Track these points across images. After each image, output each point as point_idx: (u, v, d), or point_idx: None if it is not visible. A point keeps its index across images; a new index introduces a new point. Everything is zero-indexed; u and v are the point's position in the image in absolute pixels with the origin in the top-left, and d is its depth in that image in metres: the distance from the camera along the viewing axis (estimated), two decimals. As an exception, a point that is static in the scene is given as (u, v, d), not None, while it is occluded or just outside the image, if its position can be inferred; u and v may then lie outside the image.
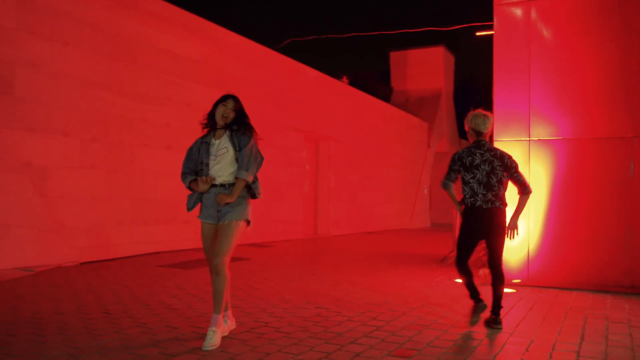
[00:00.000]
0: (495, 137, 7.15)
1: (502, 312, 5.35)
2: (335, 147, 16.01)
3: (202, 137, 4.41)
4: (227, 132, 4.32)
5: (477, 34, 8.26)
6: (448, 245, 9.48)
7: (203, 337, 4.24)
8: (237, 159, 4.26)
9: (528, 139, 6.95)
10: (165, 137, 10.01)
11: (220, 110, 4.32)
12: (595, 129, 6.73)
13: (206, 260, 4.40)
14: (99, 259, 8.60)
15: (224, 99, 4.38)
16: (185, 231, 10.34)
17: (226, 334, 4.33)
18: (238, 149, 4.26)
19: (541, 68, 6.92)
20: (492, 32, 7.21)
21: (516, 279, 6.95)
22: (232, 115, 4.34)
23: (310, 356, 3.82)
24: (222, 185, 4.24)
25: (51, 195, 7.97)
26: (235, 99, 4.39)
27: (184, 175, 4.36)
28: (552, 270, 6.81)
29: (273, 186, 13.10)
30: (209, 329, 4.05)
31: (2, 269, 7.21)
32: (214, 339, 3.99)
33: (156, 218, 9.71)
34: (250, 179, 4.23)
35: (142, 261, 8.62)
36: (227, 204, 4.19)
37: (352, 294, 6.29)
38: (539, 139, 6.91)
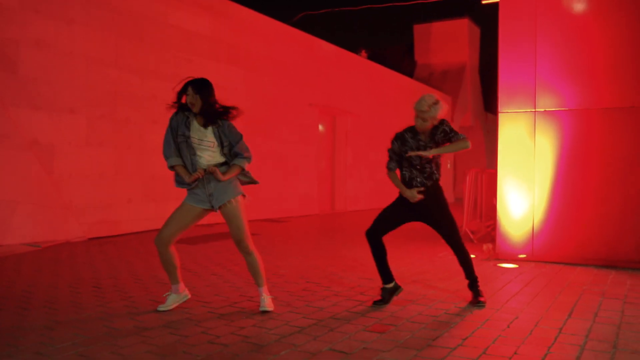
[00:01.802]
0: (499, 109, 6.93)
1: (496, 287, 5.23)
2: (353, 122, 15.84)
3: (177, 115, 4.27)
4: (211, 127, 4.24)
5: (483, 2, 7.95)
6: (459, 221, 9.33)
7: (183, 311, 4.25)
8: (224, 153, 4.25)
9: (534, 110, 6.71)
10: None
11: (187, 100, 4.22)
12: (603, 98, 6.45)
13: (157, 236, 4.29)
14: (108, 235, 8.72)
15: (184, 87, 4.23)
16: (196, 207, 10.38)
17: (174, 304, 4.33)
18: (227, 144, 4.23)
19: (548, 36, 6.64)
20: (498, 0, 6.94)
21: (521, 254, 6.78)
22: (198, 102, 4.20)
23: (284, 330, 3.78)
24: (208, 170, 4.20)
25: (58, 172, 8.07)
26: (194, 84, 4.20)
27: (169, 149, 4.30)
28: (558, 245, 6.61)
29: (287, 162, 13.06)
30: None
31: (9, 244, 7.37)
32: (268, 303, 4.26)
33: (166, 195, 9.76)
34: (246, 166, 4.28)
35: (150, 237, 8.69)
36: (215, 185, 4.18)
37: (350, 269, 6.23)
38: (545, 110, 6.66)
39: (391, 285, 4.64)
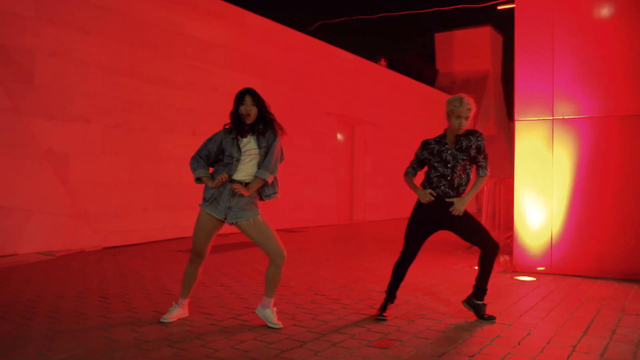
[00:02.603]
0: (516, 117, 6.75)
1: (511, 301, 5.05)
2: (372, 131, 15.71)
3: (227, 130, 4.22)
4: (254, 135, 4.16)
5: (499, 7, 7.79)
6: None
7: (185, 323, 4.17)
8: (261, 159, 4.14)
9: (551, 118, 6.52)
10: (191, 122, 10.02)
11: (242, 111, 4.15)
12: (623, 105, 6.23)
13: (192, 248, 4.29)
14: (123, 244, 8.72)
15: (240, 97, 4.17)
16: (212, 216, 10.35)
17: (172, 319, 4.24)
18: (264, 149, 4.13)
19: (565, 42, 6.45)
20: (514, 5, 6.77)
21: (539, 266, 6.56)
22: (254, 110, 4.15)
23: (285, 345, 3.67)
24: (236, 181, 4.11)
25: (73, 181, 8.10)
26: (252, 93, 4.15)
27: (196, 162, 4.18)
28: (577, 257, 6.39)
29: (305, 171, 12.98)
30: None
31: (24, 253, 7.40)
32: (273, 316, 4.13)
33: (181, 203, 9.75)
34: (270, 180, 4.12)
35: (164, 246, 8.68)
36: (237, 200, 4.08)
37: (361, 280, 6.10)
38: (562, 118, 6.47)
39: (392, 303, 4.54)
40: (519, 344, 3.72)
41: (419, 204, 4.56)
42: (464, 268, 6.96)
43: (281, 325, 4.10)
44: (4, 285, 5.56)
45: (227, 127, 4.25)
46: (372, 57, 18.81)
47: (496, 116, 24.37)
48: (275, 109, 13.23)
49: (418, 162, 4.71)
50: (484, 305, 4.41)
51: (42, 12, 7.76)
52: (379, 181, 16.01)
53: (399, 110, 17.33)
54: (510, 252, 7.12)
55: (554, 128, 6.49)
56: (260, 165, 4.13)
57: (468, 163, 4.42)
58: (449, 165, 4.43)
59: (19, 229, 7.45)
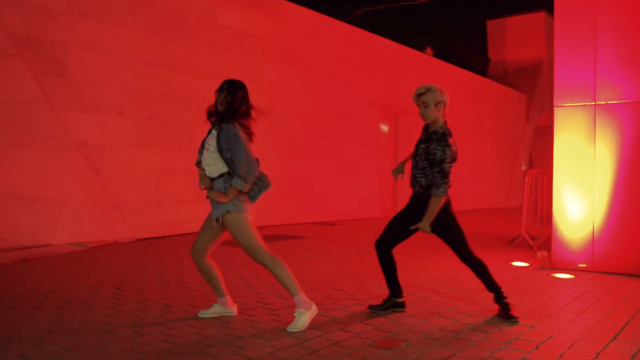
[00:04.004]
0: (555, 103, 6.31)
1: (540, 301, 4.69)
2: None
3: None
4: (216, 129, 3.91)
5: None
6: (518, 225, 8.65)
7: (191, 317, 4.06)
8: (224, 159, 3.83)
9: (593, 103, 6.04)
10: (226, 114, 9.95)
11: (215, 97, 3.98)
12: (675, 89, 5.70)
13: (193, 243, 4.16)
14: (156, 236, 8.75)
15: (221, 86, 3.99)
16: (248, 208, 10.29)
17: (214, 315, 4.09)
18: (224, 152, 3.80)
19: (609, 22, 5.96)
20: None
21: (580, 262, 6.12)
22: (224, 101, 3.93)
23: (283, 342, 3.49)
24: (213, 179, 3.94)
25: (106, 173, 8.17)
26: (230, 82, 3.93)
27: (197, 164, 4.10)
28: (621, 253, 5.91)
29: (345, 163, 12.75)
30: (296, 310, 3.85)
31: (57, 244, 7.52)
32: (298, 321, 3.78)
33: (216, 195, 9.70)
34: (247, 188, 3.84)
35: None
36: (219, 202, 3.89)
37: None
38: (606, 103, 5.98)
39: (400, 299, 4.28)
40: (536, 348, 3.40)
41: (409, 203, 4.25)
42: (499, 264, 6.59)
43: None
44: (29, 275, 5.62)
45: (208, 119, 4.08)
46: (419, 45, 18.33)
47: (551, 106, 23.37)
48: (315, 99, 13.12)
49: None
50: (507, 304, 4.10)
51: (75, 5, 7.83)
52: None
53: (448, 101, 16.80)
54: (548, 248, 6.69)
55: (596, 114, 6.01)
56: (230, 168, 3.84)
57: (428, 168, 4.05)
58: (414, 154, 4.18)
59: (53, 220, 7.57)
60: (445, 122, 4.15)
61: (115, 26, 8.27)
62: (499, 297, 4.12)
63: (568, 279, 5.68)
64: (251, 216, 3.93)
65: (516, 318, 4.00)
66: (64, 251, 7.14)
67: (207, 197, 3.93)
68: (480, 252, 7.56)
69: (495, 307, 4.25)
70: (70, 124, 7.74)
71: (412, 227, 4.07)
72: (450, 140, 4.01)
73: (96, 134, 8.07)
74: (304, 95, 11.64)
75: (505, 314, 4.04)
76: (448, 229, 4.09)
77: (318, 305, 4.48)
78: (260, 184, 3.96)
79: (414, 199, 4.22)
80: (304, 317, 3.79)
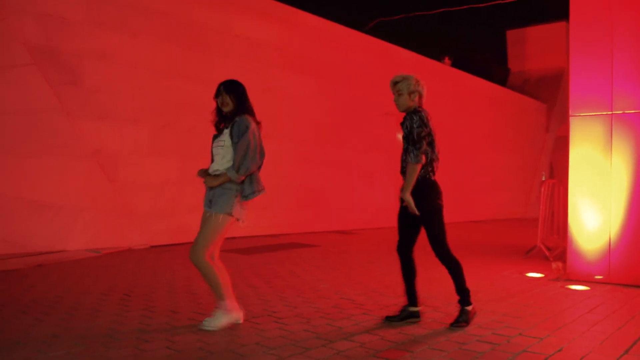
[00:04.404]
0: (570, 112, 6.22)
1: (552, 312, 4.59)
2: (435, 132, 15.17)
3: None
4: (228, 126, 4.06)
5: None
6: (534, 236, 8.53)
7: (197, 324, 4.05)
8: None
9: (610, 112, 5.93)
10: (241, 123, 9.99)
11: (217, 102, 4.12)
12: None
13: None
14: (170, 243, 8.79)
15: (217, 90, 4.13)
16: (262, 217, 10.30)
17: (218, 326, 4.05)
18: (235, 141, 3.97)
19: (625, 30, 5.85)
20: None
21: (596, 274, 5.99)
22: (230, 103, 4.08)
23: (287, 351, 3.46)
24: (210, 174, 4.07)
25: (121, 180, 8.24)
26: (226, 85, 4.12)
27: None
28: (638, 265, 5.77)
29: (361, 173, 12.71)
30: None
31: (71, 250, 7.59)
32: (215, 320, 3.92)
33: (230, 204, 9.73)
34: (238, 179, 3.95)
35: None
36: (213, 192, 4.01)
37: (396, 285, 5.75)
38: (622, 113, 5.86)
39: (415, 308, 4.21)
40: (544, 360, 3.32)
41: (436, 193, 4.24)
42: (513, 275, 6.47)
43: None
44: (41, 281, 5.67)
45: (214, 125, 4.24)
46: (437, 55, 18.26)
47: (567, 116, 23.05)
48: (330, 109, 13.10)
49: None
50: (467, 311, 4.10)
51: (91, 16, 7.95)
52: (442, 183, 15.43)
53: (465, 111, 16.69)
54: (564, 259, 6.56)
55: (613, 124, 5.90)
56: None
57: (408, 147, 4.07)
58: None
59: (68, 227, 7.65)
60: (415, 107, 4.13)
61: (131, 36, 8.37)
62: (465, 300, 4.06)
63: (583, 290, 5.56)
64: (243, 220, 4.04)
65: (464, 325, 3.99)
66: (78, 257, 7.20)
67: (205, 183, 4.03)
68: (495, 262, 7.51)
69: (507, 317, 4.16)
70: (85, 133, 7.83)
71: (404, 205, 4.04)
72: (420, 114, 4.06)
73: (111, 142, 8.15)
74: (319, 104, 11.65)
75: (460, 318, 4.01)
76: (431, 218, 4.04)
77: (325, 314, 4.45)
78: (256, 185, 4.03)
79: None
80: (220, 319, 3.92)
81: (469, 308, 4.12)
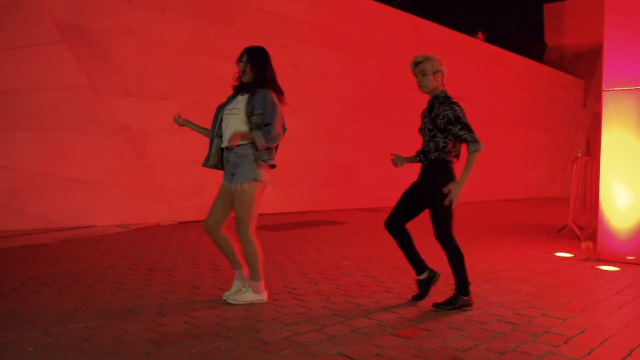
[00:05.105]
0: (604, 86, 5.98)
1: (579, 292, 4.47)
2: (467, 108, 14.86)
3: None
4: (246, 96, 3.98)
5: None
6: (565, 215, 8.30)
7: (216, 300, 4.07)
8: (252, 123, 3.89)
9: (646, 87, 5.69)
10: (268, 99, 9.95)
11: (239, 67, 4.06)
12: None
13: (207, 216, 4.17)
14: (198, 219, 8.86)
15: (240, 55, 4.06)
16: (290, 194, 10.31)
17: (237, 298, 4.06)
18: (253, 117, 3.88)
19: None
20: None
21: (629, 255, 5.81)
22: (248, 68, 4.00)
23: (303, 327, 3.44)
24: (227, 148, 3.98)
25: (149, 157, 8.32)
26: (250, 52, 4.02)
27: None
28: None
29: (392, 149, 12.50)
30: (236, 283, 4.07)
31: (100, 225, 7.72)
32: (242, 295, 3.97)
33: (257, 181, 9.74)
34: (263, 145, 3.87)
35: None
36: (232, 164, 3.94)
37: (420, 263, 5.70)
38: (660, 87, 5.63)
39: (424, 275, 4.11)
40: (565, 342, 3.23)
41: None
42: (541, 254, 6.34)
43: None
44: (69, 255, 5.78)
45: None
46: (471, 31, 17.83)
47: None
48: (360, 85, 12.97)
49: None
50: (459, 298, 3.91)
51: (119, -8, 7.96)
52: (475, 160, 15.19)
53: (500, 87, 16.31)
54: (594, 239, 6.38)
55: (649, 98, 5.67)
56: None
57: (438, 133, 3.94)
58: (420, 127, 4.13)
59: (97, 202, 7.78)
60: (444, 91, 4.00)
61: (159, 12, 8.37)
62: (464, 290, 3.90)
63: (613, 271, 5.40)
64: (269, 184, 3.98)
65: (449, 309, 3.87)
66: (107, 232, 7.32)
67: (227, 141, 3.89)
68: (524, 241, 7.37)
69: (531, 297, 4.07)
70: (114, 109, 7.91)
71: (444, 191, 3.87)
72: (457, 103, 3.95)
73: (140, 119, 8.22)
74: (347, 80, 11.52)
75: (451, 299, 3.90)
76: (441, 201, 3.89)
77: (345, 291, 4.42)
78: (273, 154, 4.02)
79: (422, 171, 4.10)
80: (248, 295, 3.96)
81: (466, 298, 3.93)
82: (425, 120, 4.10)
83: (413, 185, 4.16)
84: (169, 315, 3.65)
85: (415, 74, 4.06)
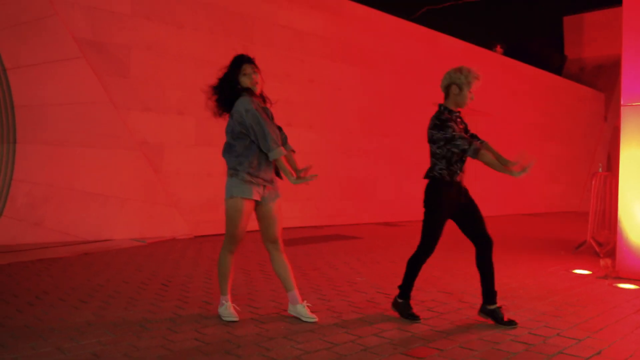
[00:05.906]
0: (623, 102, 5.91)
1: (596, 311, 4.39)
2: (485, 122, 14.81)
3: (252, 101, 4.05)
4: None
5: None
6: (584, 231, 8.17)
7: (219, 318, 4.08)
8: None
9: (666, 102, 5.61)
10: (286, 113, 9.97)
11: (255, 79, 4.09)
12: None
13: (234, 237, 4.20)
14: (214, 234, 8.89)
15: (248, 60, 4.09)
16: (306, 207, 10.31)
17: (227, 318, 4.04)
18: (239, 129, 4.09)
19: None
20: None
21: (649, 273, 5.69)
22: (261, 81, 4.09)
23: (314, 345, 3.43)
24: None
25: (166, 171, 8.39)
26: (252, 61, 4.22)
27: (276, 144, 3.93)
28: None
29: (408, 164, 12.51)
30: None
31: (117, 239, 7.79)
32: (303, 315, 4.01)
33: (274, 194, 9.76)
34: (280, 153, 3.91)
35: (254, 236, 8.71)
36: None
37: (435, 279, 5.66)
38: (679, 102, 5.54)
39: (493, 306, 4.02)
40: (581, 363, 3.17)
41: (444, 193, 4.13)
42: (559, 272, 6.24)
43: (316, 319, 3.90)
44: (85, 269, 5.84)
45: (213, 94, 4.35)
46: (490, 44, 17.78)
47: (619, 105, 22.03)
48: (377, 99, 12.97)
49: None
50: (499, 307, 3.96)
51: (139, 8, 8.09)
52: (493, 174, 15.05)
53: (519, 100, 16.20)
54: (613, 256, 6.27)
55: (669, 113, 5.58)
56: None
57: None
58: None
59: (114, 216, 7.85)
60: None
61: (177, 28, 8.48)
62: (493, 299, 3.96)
63: (632, 289, 5.30)
64: (264, 198, 4.02)
65: (515, 323, 3.90)
66: (123, 246, 7.38)
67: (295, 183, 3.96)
68: (542, 257, 7.26)
69: (546, 317, 4.00)
70: (132, 124, 8.00)
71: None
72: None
73: (157, 133, 8.30)
74: (365, 94, 11.53)
75: (499, 317, 3.93)
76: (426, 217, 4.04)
77: (358, 308, 4.40)
78: (256, 167, 4.05)
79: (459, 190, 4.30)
80: (296, 309, 4.01)
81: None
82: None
83: (459, 207, 4.21)
84: (180, 332, 3.66)
85: (473, 89, 4.04)
